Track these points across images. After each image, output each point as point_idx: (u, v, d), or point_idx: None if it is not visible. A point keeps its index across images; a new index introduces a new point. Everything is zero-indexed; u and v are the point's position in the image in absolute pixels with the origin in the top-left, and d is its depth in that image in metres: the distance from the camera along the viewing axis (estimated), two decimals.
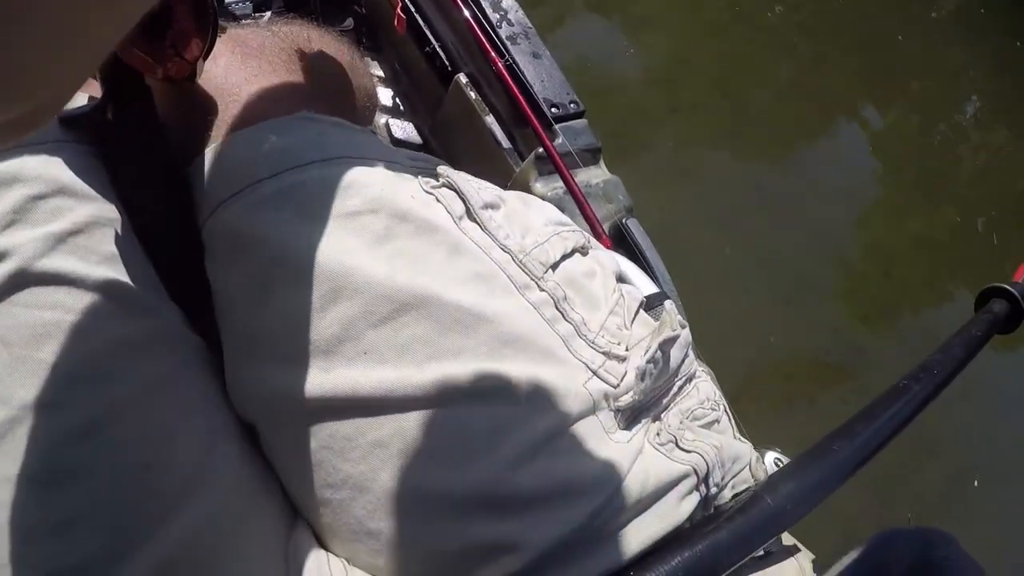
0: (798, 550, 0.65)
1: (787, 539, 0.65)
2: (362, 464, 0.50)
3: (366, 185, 0.54)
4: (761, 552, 0.58)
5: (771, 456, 0.70)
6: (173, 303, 0.55)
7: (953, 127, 3.05)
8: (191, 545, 0.46)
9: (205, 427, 0.51)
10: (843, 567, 0.66)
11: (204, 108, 0.57)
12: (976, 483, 2.00)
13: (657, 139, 2.38)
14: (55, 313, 0.47)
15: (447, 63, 1.37)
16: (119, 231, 0.52)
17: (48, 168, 0.50)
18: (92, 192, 0.52)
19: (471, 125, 1.34)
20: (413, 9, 1.41)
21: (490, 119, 1.31)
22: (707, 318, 1.53)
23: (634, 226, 1.20)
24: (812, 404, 2.02)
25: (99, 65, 0.34)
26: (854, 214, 2.50)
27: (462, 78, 1.34)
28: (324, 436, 0.50)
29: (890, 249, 2.45)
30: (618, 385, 0.55)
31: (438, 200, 0.57)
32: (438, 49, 1.38)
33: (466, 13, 1.29)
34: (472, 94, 1.33)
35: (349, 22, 1.51)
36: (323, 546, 0.54)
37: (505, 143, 1.30)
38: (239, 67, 0.59)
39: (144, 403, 0.48)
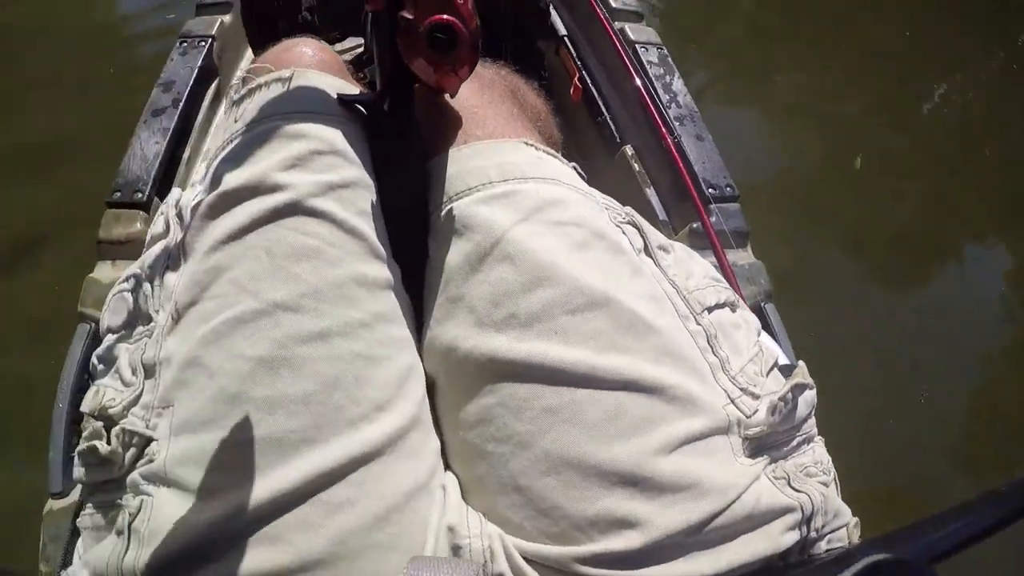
0: None
1: None
2: (531, 424, 0.57)
3: (572, 204, 0.65)
4: None
5: None
6: (395, 261, 0.65)
7: None
8: (365, 459, 0.54)
9: (405, 364, 0.61)
10: None
11: (450, 117, 0.70)
12: None
13: (784, 242, 2.39)
14: (315, 240, 0.59)
15: (616, 134, 1.47)
16: (372, 196, 0.64)
17: (328, 133, 0.63)
18: (357, 160, 0.64)
19: (631, 194, 1.42)
20: (589, 81, 1.53)
21: (650, 191, 1.39)
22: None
23: (771, 311, 1.24)
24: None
25: None
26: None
27: (628, 149, 1.44)
28: (503, 394, 0.58)
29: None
30: (750, 416, 0.61)
31: (623, 232, 0.68)
32: (608, 120, 1.48)
33: (640, 87, 1.39)
34: (636, 165, 1.42)
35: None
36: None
37: (661, 215, 1.38)
38: (478, 92, 0.72)
39: (367, 328, 0.58)
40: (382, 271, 0.62)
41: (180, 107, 1.33)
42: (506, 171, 0.65)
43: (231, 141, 0.64)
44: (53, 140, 2.41)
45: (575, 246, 0.62)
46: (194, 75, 1.39)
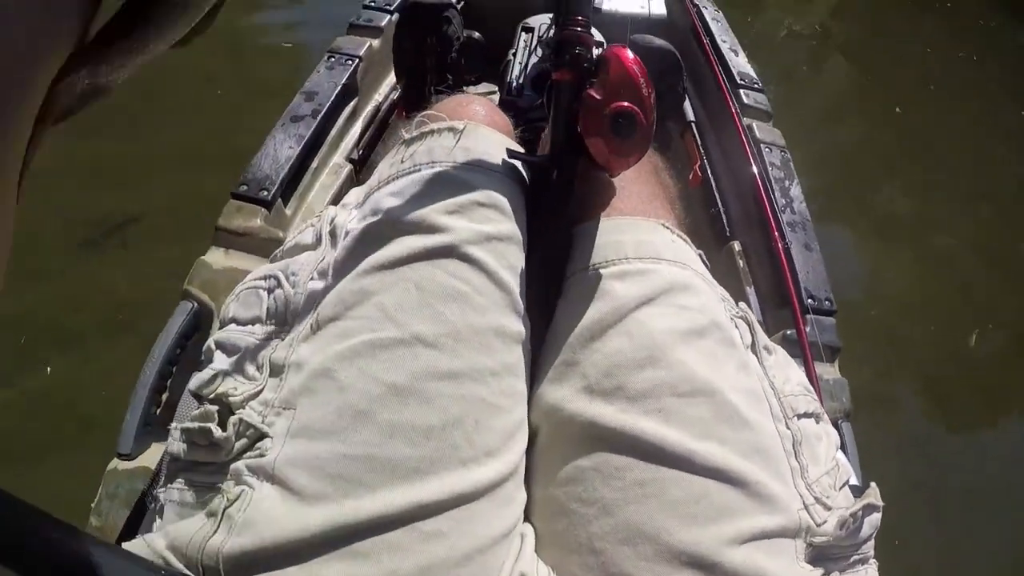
0: None
1: None
2: (619, 493, 0.59)
3: (697, 291, 0.68)
4: None
5: None
6: (528, 317, 0.67)
7: None
8: (466, 499, 0.56)
9: (519, 417, 0.64)
10: None
11: (599, 187, 0.73)
12: None
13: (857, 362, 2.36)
14: (464, 286, 0.62)
15: (727, 228, 1.48)
16: (522, 252, 0.67)
17: (491, 187, 0.67)
18: (513, 217, 0.67)
19: (731, 291, 1.42)
20: (709, 170, 1.55)
21: (750, 290, 1.40)
22: None
23: (847, 430, 1.23)
24: None
25: None
26: None
27: (736, 245, 1.44)
28: (598, 460, 0.61)
29: None
30: (819, 525, 0.62)
31: (736, 326, 0.70)
32: (722, 213, 1.49)
33: (760, 187, 1.40)
34: (741, 262, 1.42)
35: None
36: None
37: (757, 315, 1.38)
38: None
39: (496, 377, 0.61)
40: (518, 325, 0.64)
41: (318, 118, 1.38)
42: (643, 250, 0.68)
43: (397, 177, 0.67)
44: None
45: (693, 332, 0.64)
46: (336, 90, 1.44)
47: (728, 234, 1.48)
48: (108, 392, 1.72)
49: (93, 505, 0.96)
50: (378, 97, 1.65)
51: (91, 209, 2.18)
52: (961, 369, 2.54)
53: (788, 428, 0.66)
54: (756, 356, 0.71)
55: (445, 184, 0.65)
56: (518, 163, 0.70)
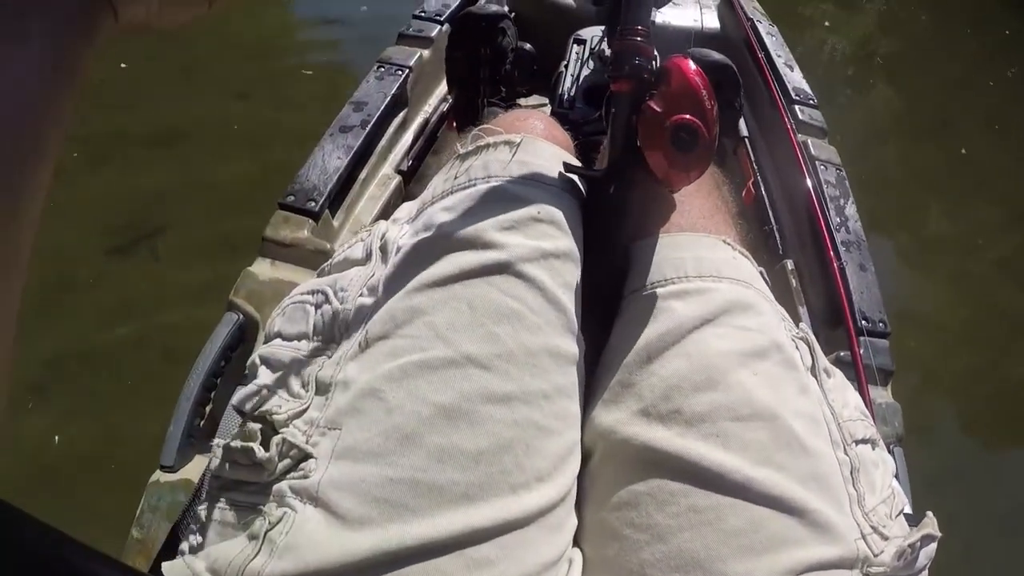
0: None
1: None
2: (673, 519, 0.57)
3: (761, 312, 0.65)
4: None
5: None
6: (582, 336, 0.65)
7: None
8: (516, 525, 0.53)
9: (572, 440, 0.61)
10: None
11: (658, 201, 0.71)
12: None
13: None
14: (518, 305, 0.59)
15: (780, 246, 1.44)
16: (578, 270, 0.65)
17: (548, 201, 0.64)
18: (570, 233, 0.65)
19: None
20: (763, 187, 1.51)
21: (803, 310, 1.36)
22: None
23: (899, 455, 1.19)
24: None
25: None
26: None
27: (789, 264, 1.41)
28: (653, 485, 0.58)
29: None
30: (877, 556, 0.60)
31: (796, 348, 0.67)
32: (775, 230, 1.46)
33: (815, 205, 1.37)
34: (794, 282, 1.39)
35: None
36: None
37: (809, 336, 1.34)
38: None
39: (548, 400, 0.58)
40: (572, 346, 0.62)
41: (368, 129, 1.37)
42: (703, 268, 0.65)
43: (451, 192, 0.65)
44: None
45: (753, 354, 0.62)
46: (386, 101, 1.43)
47: (781, 252, 1.45)
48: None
49: (136, 516, 0.96)
50: (428, 108, 1.64)
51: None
52: (996, 386, 2.49)
53: (847, 455, 0.64)
54: (816, 379, 0.68)
55: (500, 199, 0.63)
56: (575, 177, 0.68)
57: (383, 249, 0.67)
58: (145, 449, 1.00)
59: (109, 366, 1.88)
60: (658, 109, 0.59)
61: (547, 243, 0.62)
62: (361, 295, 0.64)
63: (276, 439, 0.57)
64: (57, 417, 1.76)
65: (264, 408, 0.60)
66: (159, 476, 0.98)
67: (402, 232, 0.67)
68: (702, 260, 0.66)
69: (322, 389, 0.59)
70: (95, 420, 1.76)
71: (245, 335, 1.10)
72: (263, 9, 3.28)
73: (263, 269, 1.19)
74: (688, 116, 0.58)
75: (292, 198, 1.25)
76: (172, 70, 2.74)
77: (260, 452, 0.56)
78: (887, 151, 3.40)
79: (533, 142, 0.68)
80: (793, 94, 1.62)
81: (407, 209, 0.73)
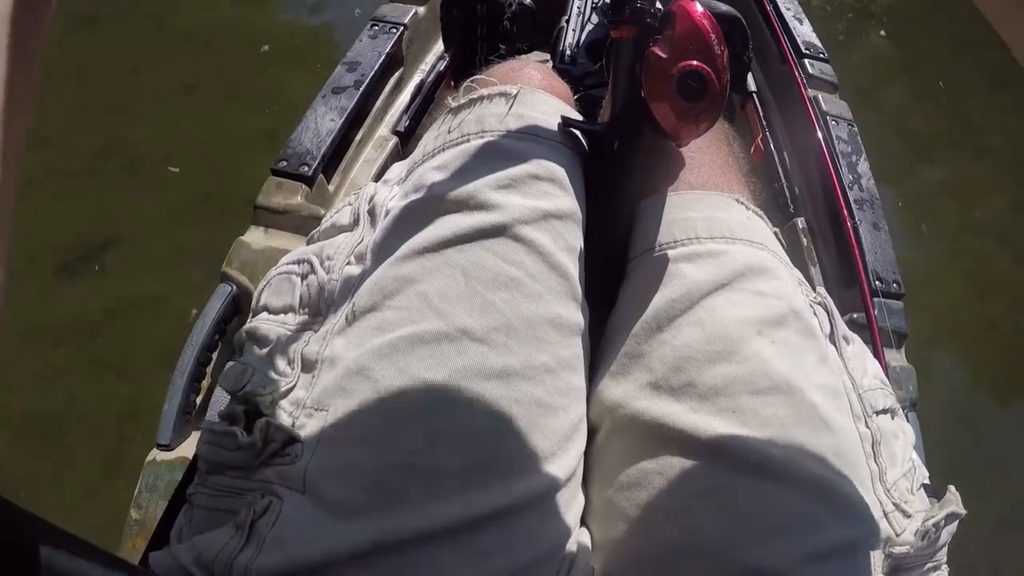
0: None
1: None
2: (684, 500, 0.53)
3: (778, 277, 0.60)
4: None
5: None
6: (586, 304, 0.60)
7: None
8: (517, 510, 0.50)
9: (577, 416, 0.57)
10: None
11: (665, 156, 0.66)
12: None
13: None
14: (517, 271, 0.55)
15: (790, 204, 1.40)
16: (580, 232, 0.60)
17: (548, 157, 0.59)
18: (572, 191, 0.60)
19: None
20: (772, 144, 1.47)
21: (815, 270, 1.32)
22: None
23: (914, 420, 1.16)
24: None
25: None
26: None
27: (800, 223, 1.37)
28: (664, 463, 0.54)
29: None
30: (899, 535, 0.58)
31: (815, 314, 0.63)
32: (785, 188, 1.41)
33: (827, 162, 1.32)
34: (805, 241, 1.35)
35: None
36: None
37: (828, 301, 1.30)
38: None
39: (551, 374, 0.54)
40: (575, 315, 0.58)
41: (361, 89, 1.32)
42: (714, 228, 0.61)
43: (443, 149, 0.61)
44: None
45: (771, 321, 0.57)
46: (380, 60, 1.38)
47: (792, 210, 1.40)
48: None
49: (134, 496, 0.93)
50: (425, 67, 1.58)
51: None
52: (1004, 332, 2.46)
53: (867, 427, 0.60)
54: (836, 346, 0.64)
55: (496, 155, 0.59)
56: (576, 131, 0.63)
57: (371, 213, 0.62)
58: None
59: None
60: (663, 56, 0.55)
61: (547, 203, 0.58)
62: (348, 263, 0.59)
63: (260, 423, 0.53)
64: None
65: (248, 388, 0.57)
66: (155, 455, 0.94)
67: (391, 194, 0.62)
68: (714, 220, 0.61)
69: (308, 367, 0.56)
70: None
71: (240, 307, 1.06)
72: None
73: (256, 238, 1.15)
74: (696, 62, 0.54)
75: (284, 163, 1.20)
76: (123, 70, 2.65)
77: (243, 436, 0.53)
78: (882, 105, 3.34)
79: (531, 93, 0.63)
80: (803, 47, 1.56)
81: (397, 169, 0.68)
